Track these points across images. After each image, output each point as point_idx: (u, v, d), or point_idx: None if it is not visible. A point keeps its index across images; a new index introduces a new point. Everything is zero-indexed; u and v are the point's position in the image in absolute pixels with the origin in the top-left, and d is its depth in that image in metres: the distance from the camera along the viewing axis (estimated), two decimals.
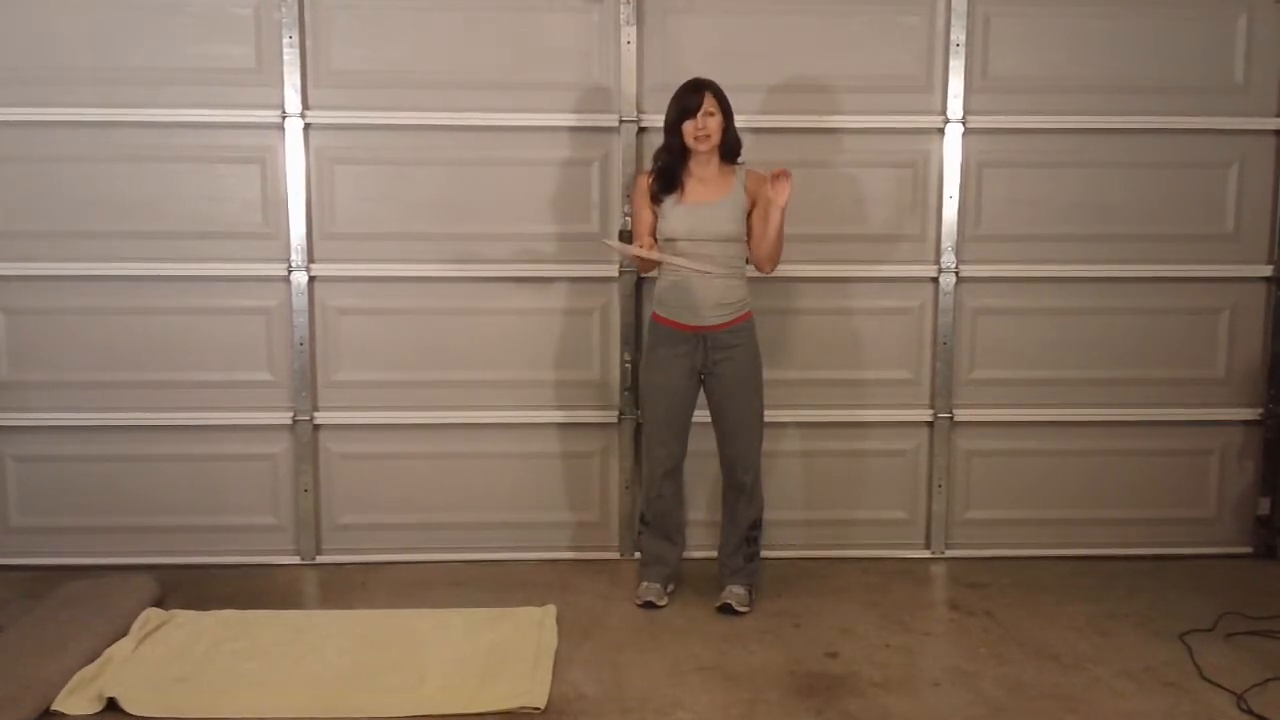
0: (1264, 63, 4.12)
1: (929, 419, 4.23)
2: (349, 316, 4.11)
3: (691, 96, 3.56)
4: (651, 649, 3.42)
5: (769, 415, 3.81)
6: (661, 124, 3.65)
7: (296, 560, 4.18)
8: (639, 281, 4.08)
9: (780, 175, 3.51)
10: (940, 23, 4.06)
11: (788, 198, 3.52)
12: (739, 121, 3.67)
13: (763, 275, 3.74)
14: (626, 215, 4.00)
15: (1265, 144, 4.17)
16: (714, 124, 3.56)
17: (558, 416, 4.17)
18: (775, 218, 3.55)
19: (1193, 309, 4.24)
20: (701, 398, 3.73)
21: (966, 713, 3.03)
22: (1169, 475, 4.30)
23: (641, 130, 4.01)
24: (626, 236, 3.94)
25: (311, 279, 4.06)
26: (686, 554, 3.98)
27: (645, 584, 3.79)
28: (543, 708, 3.00)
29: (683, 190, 3.64)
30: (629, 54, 4.00)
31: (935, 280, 4.16)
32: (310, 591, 3.98)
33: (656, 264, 3.65)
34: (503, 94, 4.02)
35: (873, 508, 4.27)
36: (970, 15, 4.04)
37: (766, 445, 3.84)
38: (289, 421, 4.12)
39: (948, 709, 3.06)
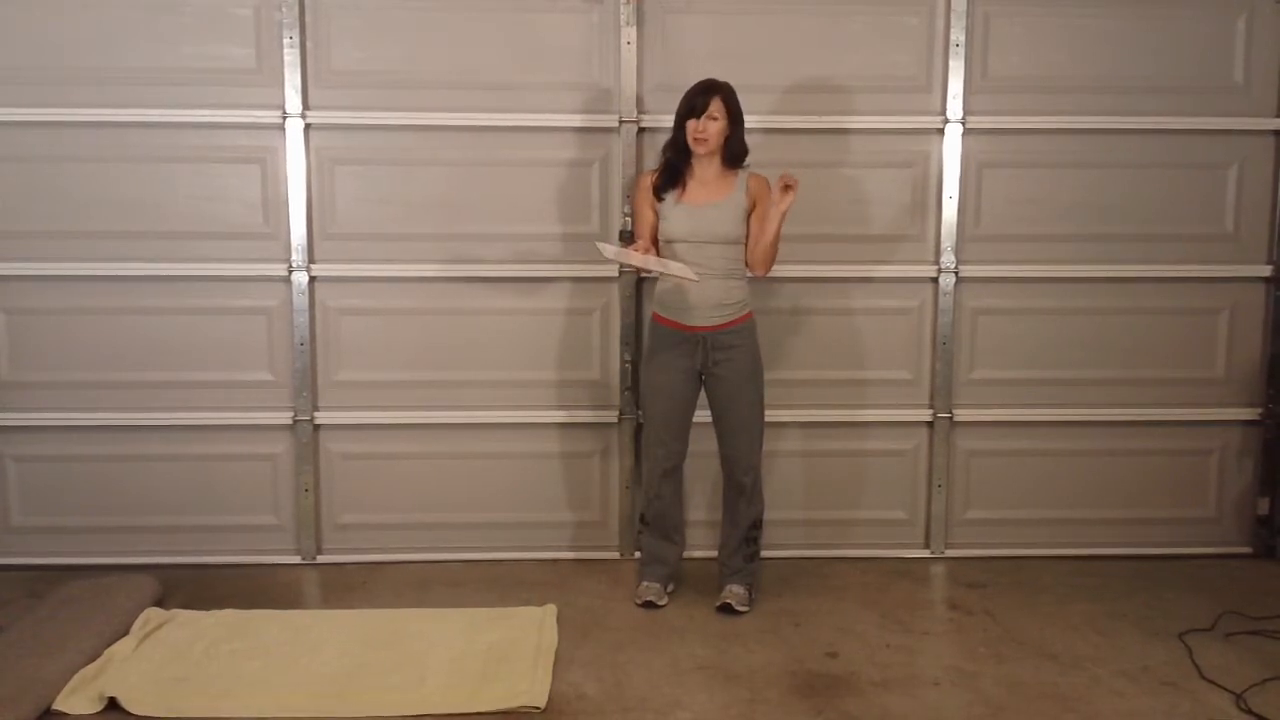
0: (1264, 63, 4.12)
1: (929, 419, 4.23)
2: (349, 317, 4.11)
3: (700, 98, 3.55)
4: (651, 649, 3.42)
5: (769, 415, 3.81)
6: (662, 123, 3.65)
7: (297, 560, 4.18)
8: (639, 281, 4.08)
9: (787, 185, 3.50)
10: (940, 23, 4.06)
11: (790, 205, 3.52)
12: None
13: (763, 276, 3.74)
14: (627, 215, 4.00)
15: (1265, 144, 4.17)
16: (714, 129, 3.55)
17: (558, 416, 4.18)
18: (774, 221, 3.54)
19: (1192, 309, 4.24)
20: (702, 398, 3.73)
21: (966, 713, 3.04)
22: (1169, 475, 4.30)
23: (641, 130, 4.01)
24: (627, 237, 3.95)
25: (312, 279, 4.06)
26: (686, 554, 3.98)
27: (645, 584, 3.79)
28: (543, 707, 3.00)
29: (684, 189, 3.64)
30: (629, 54, 4.00)
31: (935, 280, 4.16)
32: (310, 591, 3.98)
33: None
34: (503, 94, 4.02)
35: (872, 508, 4.27)
36: (970, 15, 4.04)
37: (767, 445, 3.84)
38: (289, 421, 4.12)
39: (948, 709, 3.06)
